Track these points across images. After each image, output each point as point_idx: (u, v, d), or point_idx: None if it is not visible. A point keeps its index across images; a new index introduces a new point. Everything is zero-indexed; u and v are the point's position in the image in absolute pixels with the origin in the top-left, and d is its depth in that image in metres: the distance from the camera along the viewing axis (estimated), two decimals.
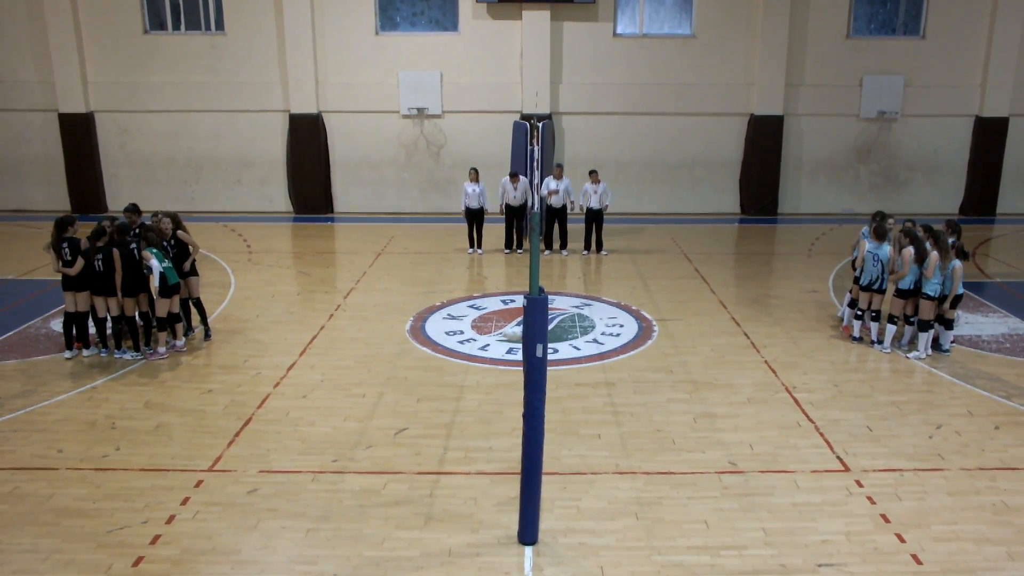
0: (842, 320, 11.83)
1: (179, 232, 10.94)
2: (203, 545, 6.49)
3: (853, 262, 11.75)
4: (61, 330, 10.75)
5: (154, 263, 10.17)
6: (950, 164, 20.53)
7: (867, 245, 11.04)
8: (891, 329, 10.87)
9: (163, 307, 10.42)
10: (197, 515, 6.92)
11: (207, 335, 11.23)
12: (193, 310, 11.33)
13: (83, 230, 10.67)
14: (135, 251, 10.28)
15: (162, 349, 10.56)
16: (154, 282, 10.27)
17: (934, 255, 10.30)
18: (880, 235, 10.91)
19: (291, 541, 6.56)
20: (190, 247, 10.99)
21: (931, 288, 10.37)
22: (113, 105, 20.01)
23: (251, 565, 6.26)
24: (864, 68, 19.85)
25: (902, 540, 6.59)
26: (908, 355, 10.63)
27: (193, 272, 11.10)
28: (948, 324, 10.78)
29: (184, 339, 10.91)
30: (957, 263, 10.42)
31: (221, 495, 7.25)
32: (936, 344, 10.84)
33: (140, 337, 10.61)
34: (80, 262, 10.14)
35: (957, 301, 10.70)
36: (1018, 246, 17.49)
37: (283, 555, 6.38)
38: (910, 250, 10.48)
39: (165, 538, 6.57)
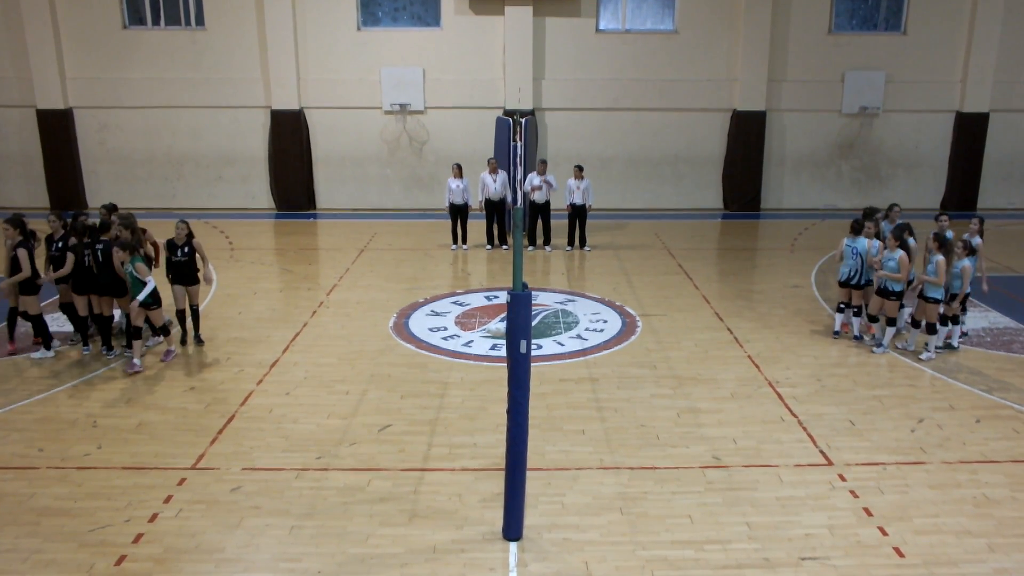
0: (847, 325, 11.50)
1: (194, 240, 10.70)
2: (186, 543, 6.45)
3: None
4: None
5: (150, 279, 9.81)
6: (931, 159, 20.72)
7: (844, 239, 11.06)
8: (913, 332, 10.72)
9: (158, 317, 10.17)
10: (180, 513, 6.88)
11: (198, 341, 10.97)
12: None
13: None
14: (99, 252, 10.18)
15: (172, 347, 10.47)
16: (143, 294, 9.72)
17: (940, 259, 10.14)
18: (856, 230, 10.93)
19: (275, 539, 6.53)
20: (200, 257, 10.77)
21: (936, 291, 10.25)
22: (92, 101, 19.81)
23: (235, 563, 6.22)
24: (846, 64, 19.98)
25: (884, 533, 6.65)
26: (921, 356, 10.49)
27: (197, 280, 10.87)
28: (955, 320, 10.73)
29: (160, 339, 10.82)
30: (966, 262, 10.36)
31: (204, 493, 7.20)
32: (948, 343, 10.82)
33: (119, 336, 10.53)
34: (71, 259, 10.13)
35: (963, 300, 10.63)
36: (998, 241, 17.63)
37: (267, 553, 6.35)
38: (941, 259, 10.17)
39: (148, 537, 6.53)
